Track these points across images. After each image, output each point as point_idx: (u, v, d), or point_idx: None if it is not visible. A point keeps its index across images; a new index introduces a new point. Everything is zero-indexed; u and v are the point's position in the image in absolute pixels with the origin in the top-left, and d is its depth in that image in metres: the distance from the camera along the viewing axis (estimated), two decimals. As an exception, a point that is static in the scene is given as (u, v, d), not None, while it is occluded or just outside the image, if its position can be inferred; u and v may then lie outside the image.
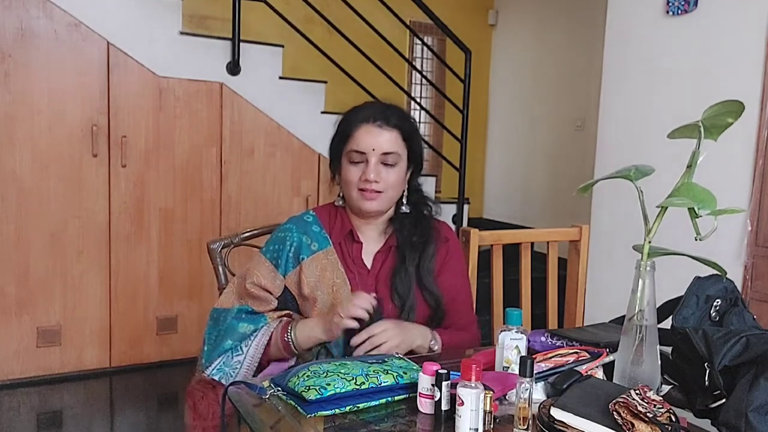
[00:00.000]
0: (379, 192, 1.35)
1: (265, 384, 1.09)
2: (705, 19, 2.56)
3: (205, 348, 1.34)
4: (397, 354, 1.19)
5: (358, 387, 1.03)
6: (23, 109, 2.78)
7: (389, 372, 1.07)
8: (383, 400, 1.04)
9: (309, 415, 0.98)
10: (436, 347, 1.37)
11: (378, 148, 1.34)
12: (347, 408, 1.01)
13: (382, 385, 1.05)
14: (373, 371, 1.06)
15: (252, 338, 1.31)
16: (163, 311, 3.16)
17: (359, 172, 1.35)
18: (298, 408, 1.01)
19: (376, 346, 1.24)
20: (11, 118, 2.77)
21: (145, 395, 2.97)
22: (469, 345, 1.44)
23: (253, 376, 1.30)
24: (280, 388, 1.06)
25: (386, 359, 1.14)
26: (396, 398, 1.06)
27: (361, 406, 1.02)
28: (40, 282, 2.88)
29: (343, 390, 1.01)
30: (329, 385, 1.01)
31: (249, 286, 1.35)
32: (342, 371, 1.05)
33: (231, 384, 1.12)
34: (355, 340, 1.25)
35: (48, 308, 2.90)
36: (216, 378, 1.28)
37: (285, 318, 1.35)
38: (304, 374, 1.05)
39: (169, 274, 3.16)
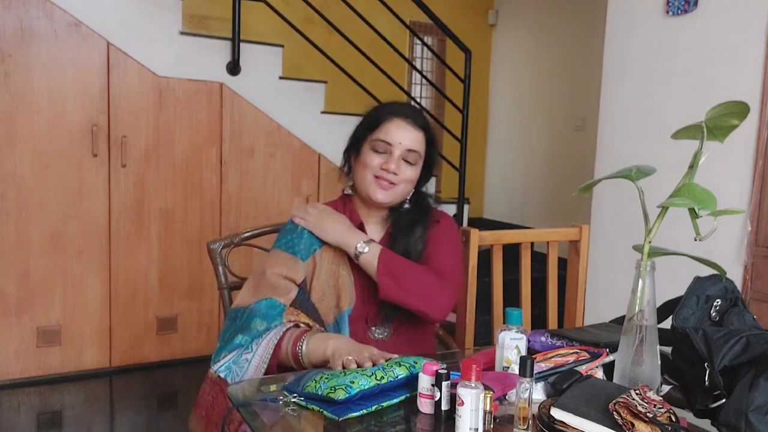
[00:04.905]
0: (393, 184, 1.40)
1: (273, 387, 1.08)
2: (705, 19, 2.56)
3: (218, 345, 1.32)
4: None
5: (378, 382, 1.03)
6: (23, 109, 2.78)
7: (402, 364, 1.08)
8: (403, 397, 1.06)
9: (341, 418, 0.97)
10: (366, 249, 1.35)
11: (405, 143, 1.40)
12: (373, 408, 1.01)
13: (399, 377, 1.06)
14: (388, 364, 1.08)
15: (264, 336, 1.27)
16: (163, 311, 3.15)
17: (381, 160, 1.39)
18: (325, 412, 0.99)
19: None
20: (11, 118, 2.76)
21: (145, 395, 2.96)
22: (429, 284, 1.37)
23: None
24: (296, 395, 1.04)
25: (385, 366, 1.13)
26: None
27: (384, 404, 1.03)
28: (40, 282, 2.87)
29: (367, 387, 1.01)
30: (353, 383, 1.01)
31: (270, 275, 1.35)
32: (357, 371, 1.05)
33: (234, 383, 1.11)
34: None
35: (48, 308, 2.90)
36: (222, 375, 1.25)
37: (303, 327, 1.31)
38: (321, 378, 1.05)
39: (169, 274, 3.16)
